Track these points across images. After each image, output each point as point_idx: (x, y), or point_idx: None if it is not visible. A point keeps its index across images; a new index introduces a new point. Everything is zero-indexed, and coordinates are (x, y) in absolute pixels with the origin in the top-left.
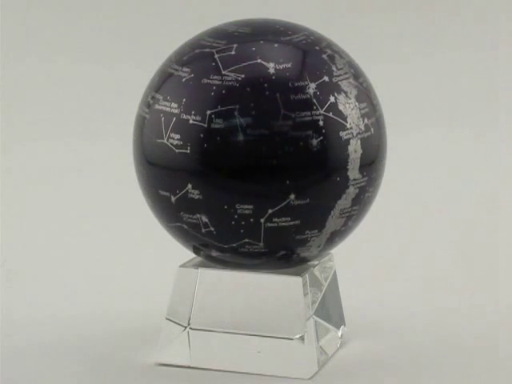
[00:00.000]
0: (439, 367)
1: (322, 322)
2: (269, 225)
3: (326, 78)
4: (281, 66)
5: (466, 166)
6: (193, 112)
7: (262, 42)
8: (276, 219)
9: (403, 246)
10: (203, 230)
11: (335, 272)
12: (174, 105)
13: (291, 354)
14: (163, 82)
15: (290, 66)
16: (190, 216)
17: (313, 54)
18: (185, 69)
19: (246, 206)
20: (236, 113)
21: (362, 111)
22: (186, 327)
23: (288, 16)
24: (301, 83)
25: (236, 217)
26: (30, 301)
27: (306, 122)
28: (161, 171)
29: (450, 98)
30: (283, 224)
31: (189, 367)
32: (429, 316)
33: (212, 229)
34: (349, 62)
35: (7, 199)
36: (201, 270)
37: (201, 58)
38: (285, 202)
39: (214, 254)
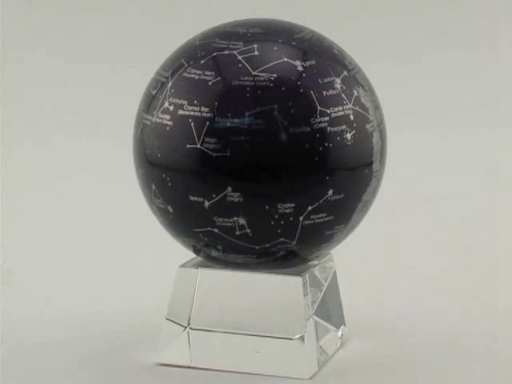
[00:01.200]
0: (439, 367)
1: (322, 322)
2: (306, 222)
3: (345, 73)
4: (307, 64)
5: (466, 166)
6: (229, 114)
7: (280, 41)
8: (314, 216)
9: (403, 246)
10: (237, 233)
11: (335, 272)
12: (204, 109)
13: (291, 354)
14: (183, 87)
15: (314, 62)
16: (226, 219)
17: (326, 50)
18: (207, 72)
19: (288, 205)
20: (276, 112)
21: (375, 103)
22: (186, 327)
23: (277, 15)
24: (329, 79)
25: (276, 216)
26: (29, 301)
27: (339, 116)
28: (194, 176)
29: (449, 98)
30: (319, 220)
31: (189, 367)
32: (429, 316)
33: (248, 231)
34: (351, 58)
35: (7, 199)
36: (201, 270)
37: (222, 60)
38: (323, 199)
39: (214, 253)
